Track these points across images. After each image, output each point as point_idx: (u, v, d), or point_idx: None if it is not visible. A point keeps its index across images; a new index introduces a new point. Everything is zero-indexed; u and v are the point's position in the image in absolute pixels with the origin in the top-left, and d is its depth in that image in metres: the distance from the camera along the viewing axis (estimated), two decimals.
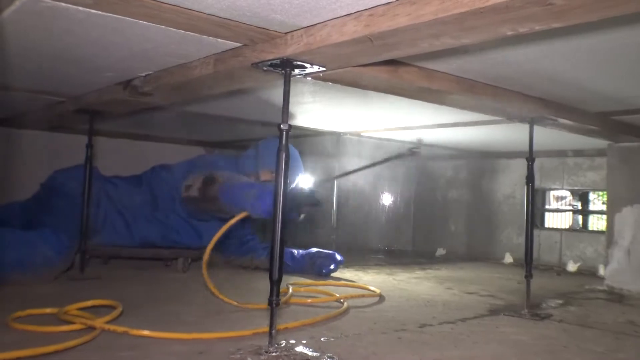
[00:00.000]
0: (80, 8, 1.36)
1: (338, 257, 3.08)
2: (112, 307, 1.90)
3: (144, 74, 2.06)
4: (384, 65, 1.70)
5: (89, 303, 1.93)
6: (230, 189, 2.45)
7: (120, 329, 1.63)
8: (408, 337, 1.78)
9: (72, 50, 1.80)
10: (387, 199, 4.75)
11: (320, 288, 2.58)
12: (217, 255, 3.35)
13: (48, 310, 1.84)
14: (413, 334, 1.83)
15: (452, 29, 1.19)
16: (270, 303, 1.50)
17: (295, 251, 3.11)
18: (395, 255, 4.26)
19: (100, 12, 1.38)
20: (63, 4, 1.33)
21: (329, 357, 1.50)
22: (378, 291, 2.53)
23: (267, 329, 1.69)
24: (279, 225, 1.49)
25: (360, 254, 4.06)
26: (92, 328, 1.62)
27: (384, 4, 1.21)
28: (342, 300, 2.27)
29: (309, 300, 2.30)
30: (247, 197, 2.32)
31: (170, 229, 3.01)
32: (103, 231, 2.88)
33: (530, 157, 2.33)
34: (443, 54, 1.58)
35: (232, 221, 2.29)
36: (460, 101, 2.17)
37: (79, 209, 2.70)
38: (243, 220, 3.00)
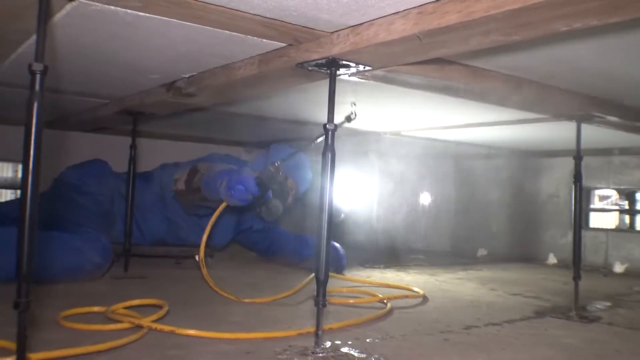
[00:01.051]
0: (129, 11, 1.37)
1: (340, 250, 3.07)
2: (158, 306, 1.91)
3: (187, 76, 2.08)
4: (430, 63, 1.68)
5: (136, 302, 1.95)
6: (208, 179, 2.44)
7: (167, 328, 1.64)
8: (454, 339, 1.75)
9: (119, 53, 1.83)
10: (426, 199, 4.71)
11: (362, 288, 2.57)
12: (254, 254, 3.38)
13: (96, 308, 1.86)
14: (459, 336, 1.80)
15: (503, 25, 1.17)
16: (316, 303, 1.49)
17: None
18: (435, 256, 4.22)
19: (147, 15, 1.39)
20: (112, 7, 1.35)
21: (375, 358, 1.48)
22: (422, 292, 2.50)
23: (311, 329, 1.68)
24: (325, 224, 1.48)
25: (401, 254, 4.02)
26: (139, 327, 1.63)
27: (433, 2, 1.19)
28: (385, 301, 2.25)
29: (351, 301, 2.29)
30: (220, 187, 2.30)
31: (177, 226, 3.03)
32: (116, 228, 2.87)
33: (577, 155, 2.28)
34: (490, 51, 1.55)
35: (216, 214, 2.28)
36: (505, 99, 2.14)
37: (102, 207, 2.76)
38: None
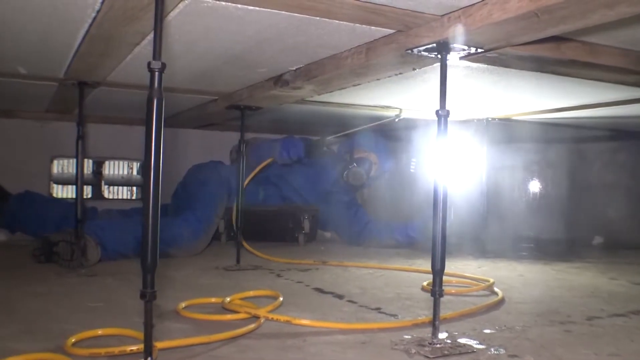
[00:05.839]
0: (239, 5, 1.39)
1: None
2: (273, 297, 1.95)
3: (294, 68, 2.09)
4: (544, 42, 1.60)
5: (251, 293, 2.00)
6: (258, 146, 3.21)
7: (283, 318, 1.66)
8: (577, 330, 1.67)
9: (229, 48, 1.86)
10: (536, 186, 4.53)
11: (463, 279, 2.50)
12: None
13: (213, 299, 1.92)
14: (582, 327, 1.72)
15: None
16: (433, 294, 1.47)
17: None
18: (548, 244, 4.06)
19: (257, 8, 1.40)
20: (223, 3, 1.37)
21: (495, 349, 1.44)
22: (492, 280, 2.34)
23: (426, 319, 1.66)
24: (440, 214, 1.45)
25: (511, 243, 3.89)
26: (256, 317, 1.66)
27: None
28: (495, 290, 2.18)
29: (453, 291, 2.22)
30: (272, 149, 3.43)
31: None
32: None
33: None
34: (609, 25, 1.46)
35: (260, 167, 3.36)
36: (625, 76, 2.01)
37: (211, 196, 3.24)
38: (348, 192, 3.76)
